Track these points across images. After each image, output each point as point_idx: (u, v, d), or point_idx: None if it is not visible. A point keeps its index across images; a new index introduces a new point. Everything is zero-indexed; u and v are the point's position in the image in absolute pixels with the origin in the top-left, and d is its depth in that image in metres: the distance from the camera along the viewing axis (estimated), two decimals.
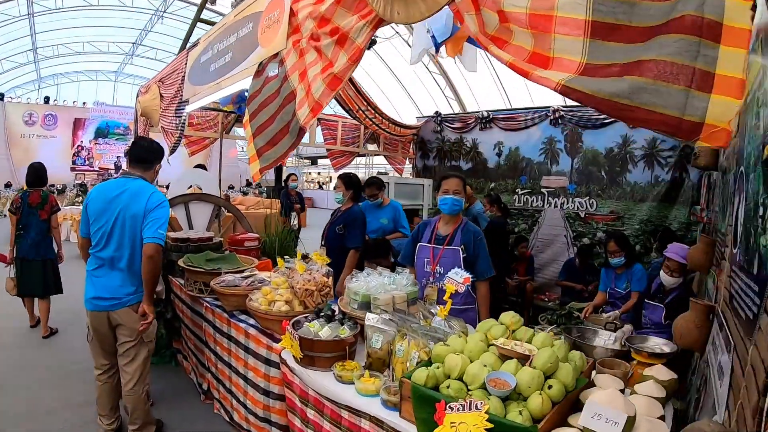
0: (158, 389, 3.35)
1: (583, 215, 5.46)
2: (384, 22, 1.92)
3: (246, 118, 2.82)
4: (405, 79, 16.29)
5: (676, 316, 1.99)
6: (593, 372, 1.85)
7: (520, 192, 5.99)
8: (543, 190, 5.79)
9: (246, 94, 3.01)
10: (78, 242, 2.98)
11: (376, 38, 4.12)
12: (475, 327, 2.49)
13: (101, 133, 20.75)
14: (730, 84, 0.97)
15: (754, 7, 1.04)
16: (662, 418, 1.59)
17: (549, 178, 5.74)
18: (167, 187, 6.43)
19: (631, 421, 1.36)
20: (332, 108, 8.48)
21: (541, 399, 1.43)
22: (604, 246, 4.41)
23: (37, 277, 4.51)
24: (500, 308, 2.38)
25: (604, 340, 2.48)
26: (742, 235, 1.39)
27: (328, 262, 2.79)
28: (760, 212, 1.13)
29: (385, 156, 7.48)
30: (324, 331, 2.12)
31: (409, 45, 13.77)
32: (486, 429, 1.32)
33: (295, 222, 7.37)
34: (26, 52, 21.42)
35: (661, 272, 3.11)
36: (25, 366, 3.87)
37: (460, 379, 1.57)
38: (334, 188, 4.18)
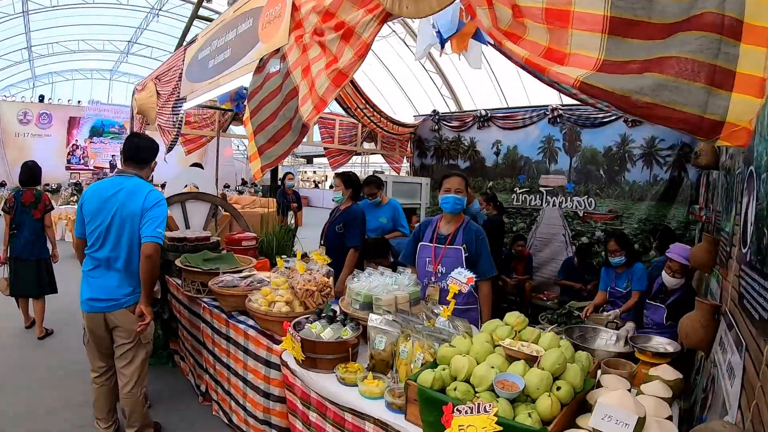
0: (155, 390, 3.31)
1: (581, 214, 5.46)
2: (391, 17, 1.89)
3: (246, 115, 2.77)
4: (401, 78, 16.22)
5: (678, 317, 1.99)
6: (598, 372, 1.84)
7: (518, 191, 5.98)
8: (541, 189, 5.78)
9: (245, 91, 2.97)
10: (73, 243, 2.93)
11: None
12: (477, 327, 2.48)
13: (96, 131, 20.65)
14: (751, 82, 0.96)
15: None
16: (669, 418, 1.58)
17: (547, 177, 5.74)
18: (163, 186, 6.38)
19: (641, 422, 1.35)
20: (329, 106, 8.43)
21: (550, 401, 1.41)
22: (604, 245, 4.41)
23: (31, 277, 4.45)
24: (499, 307, 2.36)
25: (606, 339, 2.47)
26: (753, 234, 1.37)
27: (329, 261, 2.76)
28: None
29: (382, 154, 7.46)
30: (326, 333, 2.09)
31: (405, 43, 13.75)
32: None
33: (292, 221, 7.33)
34: (21, 51, 21.15)
35: (663, 273, 3.10)
36: (24, 366, 3.82)
37: (467, 381, 1.55)
38: (331, 186, 4.15)
